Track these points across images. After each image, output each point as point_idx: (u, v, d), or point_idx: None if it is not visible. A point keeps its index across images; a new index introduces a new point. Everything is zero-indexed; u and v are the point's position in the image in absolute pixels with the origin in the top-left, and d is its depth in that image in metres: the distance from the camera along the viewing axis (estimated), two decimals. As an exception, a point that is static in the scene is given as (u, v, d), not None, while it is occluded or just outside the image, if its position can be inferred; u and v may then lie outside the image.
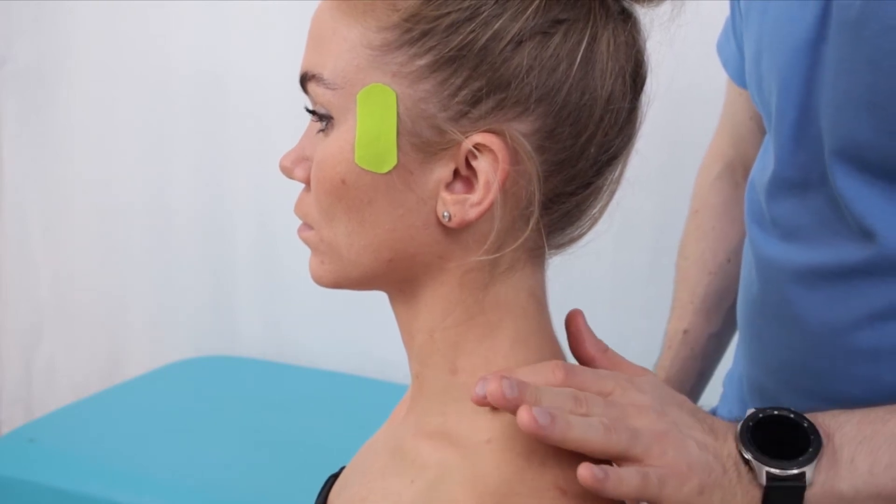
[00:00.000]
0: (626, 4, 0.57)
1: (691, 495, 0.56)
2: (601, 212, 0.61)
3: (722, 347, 1.07)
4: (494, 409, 0.57)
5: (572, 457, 0.56)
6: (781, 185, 0.80)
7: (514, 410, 0.53)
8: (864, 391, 0.76)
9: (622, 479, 0.53)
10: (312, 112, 0.59)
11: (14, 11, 2.16)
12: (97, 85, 2.16)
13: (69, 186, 2.23)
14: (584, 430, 0.54)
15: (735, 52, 0.98)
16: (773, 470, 0.57)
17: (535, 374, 0.57)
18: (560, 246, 0.61)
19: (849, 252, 0.75)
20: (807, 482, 0.58)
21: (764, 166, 0.84)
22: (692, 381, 1.05)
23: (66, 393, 2.24)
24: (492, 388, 0.54)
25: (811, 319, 0.79)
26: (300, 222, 0.62)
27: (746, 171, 1.01)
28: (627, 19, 0.57)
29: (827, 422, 0.61)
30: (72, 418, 1.74)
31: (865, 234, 0.73)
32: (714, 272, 1.05)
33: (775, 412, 0.61)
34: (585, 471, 0.52)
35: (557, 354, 0.62)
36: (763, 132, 0.93)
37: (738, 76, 0.98)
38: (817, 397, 0.79)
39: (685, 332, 1.04)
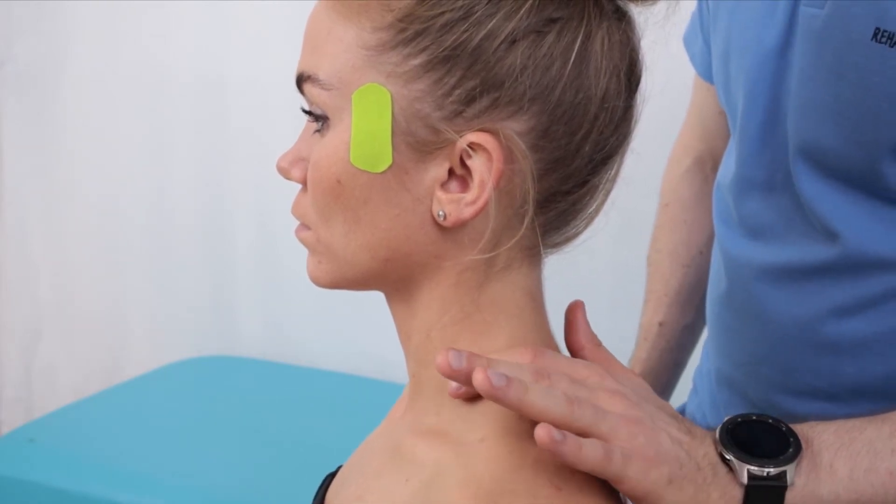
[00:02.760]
0: (620, 3, 0.57)
1: (659, 483, 0.55)
2: (597, 210, 0.61)
3: (695, 338, 1.08)
4: (491, 407, 0.57)
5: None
6: (747, 185, 0.82)
7: (468, 381, 0.53)
8: (827, 383, 0.78)
9: (581, 447, 0.52)
10: (308, 113, 0.59)
11: (14, 12, 2.16)
12: (97, 85, 2.16)
13: (69, 187, 2.23)
14: (542, 397, 0.53)
15: (702, 47, 0.98)
16: (754, 469, 0.57)
17: (503, 356, 0.57)
18: (556, 245, 0.61)
19: (813, 251, 0.76)
20: (788, 482, 0.58)
21: (728, 167, 0.86)
22: (668, 372, 1.06)
23: (66, 393, 2.24)
24: (439, 360, 0.53)
25: (777, 315, 0.80)
26: (298, 223, 0.62)
27: (715, 163, 1.02)
28: (622, 18, 0.57)
29: (805, 430, 0.62)
30: (72, 418, 1.74)
31: (829, 235, 0.75)
32: (687, 265, 1.06)
33: (753, 417, 0.61)
34: (542, 430, 0.51)
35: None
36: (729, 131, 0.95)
37: (705, 71, 0.99)
38: (783, 389, 0.81)
39: (661, 324, 1.05)
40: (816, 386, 0.79)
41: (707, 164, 1.08)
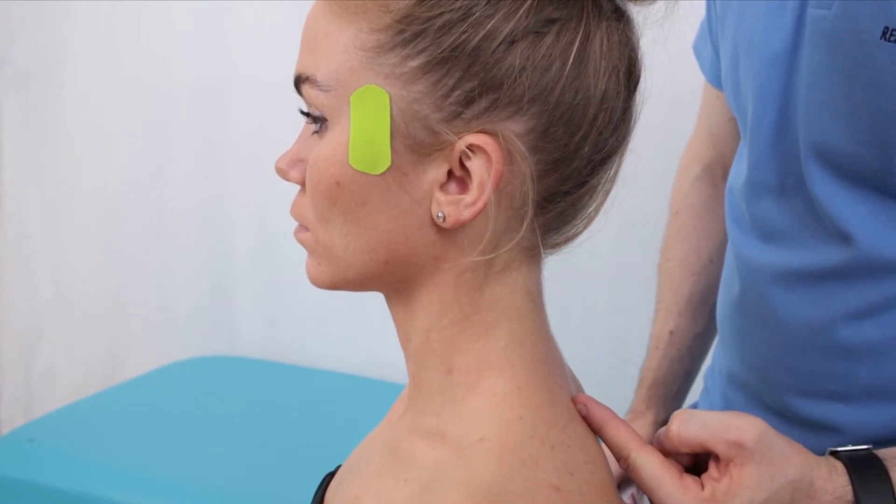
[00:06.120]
0: (619, 3, 0.57)
1: None
2: (596, 211, 0.61)
3: (706, 346, 1.09)
4: (490, 408, 0.57)
5: (567, 455, 0.56)
6: (759, 188, 0.82)
7: None
8: (841, 386, 0.78)
9: None
10: (306, 114, 0.59)
11: (14, 11, 2.16)
12: (97, 85, 2.16)
13: (69, 186, 2.23)
14: None
15: (712, 54, 0.99)
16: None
17: None
18: (556, 245, 0.61)
19: (827, 254, 0.76)
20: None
21: (740, 170, 0.86)
22: (680, 380, 1.07)
23: (66, 393, 2.24)
24: None
25: (790, 318, 0.80)
26: (297, 224, 0.62)
27: (725, 171, 1.02)
28: (620, 18, 0.57)
29: None
30: (72, 418, 1.74)
31: (843, 238, 0.75)
32: (698, 273, 1.06)
33: None
34: None
35: (553, 354, 0.62)
36: (739, 137, 0.95)
37: (715, 78, 0.99)
38: (796, 392, 0.82)
39: (671, 332, 1.05)
40: (830, 389, 0.79)
41: (717, 172, 1.08)
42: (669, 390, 1.05)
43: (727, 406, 0.92)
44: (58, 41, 2.16)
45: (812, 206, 0.77)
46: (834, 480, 0.62)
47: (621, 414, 1.02)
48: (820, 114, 0.74)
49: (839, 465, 0.63)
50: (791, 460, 0.61)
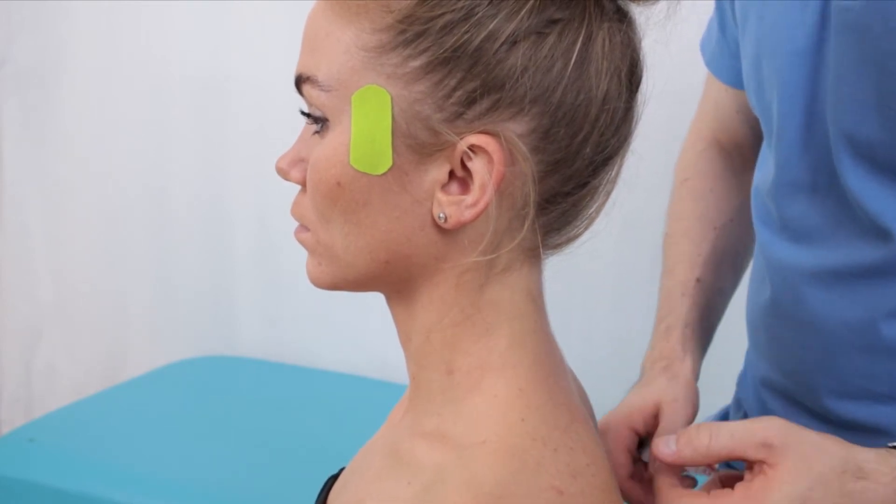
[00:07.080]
0: (621, 3, 0.57)
1: None
2: (598, 211, 0.61)
3: (725, 305, 0.99)
4: (492, 409, 0.57)
5: (569, 457, 0.56)
6: (790, 188, 0.80)
7: None
8: (886, 386, 0.76)
9: None
10: (307, 115, 0.59)
11: (14, 12, 2.16)
12: (97, 85, 2.16)
13: (69, 186, 2.23)
14: None
15: (724, 50, 0.97)
16: None
17: None
18: (557, 246, 0.61)
19: (864, 251, 0.75)
20: None
21: (766, 171, 0.84)
22: (706, 335, 0.95)
23: (66, 393, 2.24)
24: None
25: (827, 319, 0.78)
26: (298, 224, 0.62)
27: (735, 146, 0.99)
28: (623, 18, 0.57)
29: None
30: (72, 418, 1.74)
31: (880, 234, 0.73)
32: (720, 227, 0.98)
33: None
34: None
35: (554, 355, 0.62)
36: (749, 127, 0.93)
37: (725, 74, 0.97)
38: (838, 395, 0.80)
39: (699, 280, 0.95)
40: (874, 390, 0.77)
41: (724, 148, 1.03)
42: (702, 339, 0.94)
43: (765, 413, 0.89)
44: (58, 41, 2.16)
45: (846, 203, 0.75)
46: (889, 462, 0.61)
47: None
48: (850, 106, 0.72)
49: (892, 451, 0.62)
50: (828, 450, 0.61)
